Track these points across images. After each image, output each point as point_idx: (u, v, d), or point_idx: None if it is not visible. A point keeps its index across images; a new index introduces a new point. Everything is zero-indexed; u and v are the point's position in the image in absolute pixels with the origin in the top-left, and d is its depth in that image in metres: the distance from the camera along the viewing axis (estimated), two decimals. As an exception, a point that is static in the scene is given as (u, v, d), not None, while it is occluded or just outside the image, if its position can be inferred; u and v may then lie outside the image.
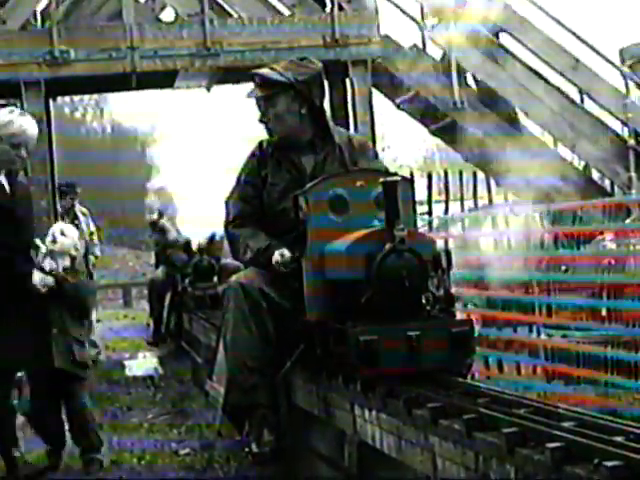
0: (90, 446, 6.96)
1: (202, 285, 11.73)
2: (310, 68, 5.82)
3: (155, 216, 12.23)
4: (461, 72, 12.02)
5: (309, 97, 5.83)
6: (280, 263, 5.43)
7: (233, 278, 5.91)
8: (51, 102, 12.55)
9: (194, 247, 12.52)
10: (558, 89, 12.28)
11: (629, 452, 2.87)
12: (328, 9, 11.78)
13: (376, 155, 6.18)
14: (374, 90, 11.78)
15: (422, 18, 12.17)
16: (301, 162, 5.77)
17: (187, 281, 10.46)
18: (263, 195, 5.84)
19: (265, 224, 5.81)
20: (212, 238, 12.13)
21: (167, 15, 13.19)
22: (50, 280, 6.82)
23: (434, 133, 12.19)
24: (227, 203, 6.27)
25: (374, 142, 11.04)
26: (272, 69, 5.77)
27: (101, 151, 36.11)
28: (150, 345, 14.14)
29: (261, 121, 5.90)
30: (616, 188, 11.89)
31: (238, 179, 6.03)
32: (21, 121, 6.88)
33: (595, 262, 7.27)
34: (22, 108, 11.45)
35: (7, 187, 6.82)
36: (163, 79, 11.53)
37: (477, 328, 6.30)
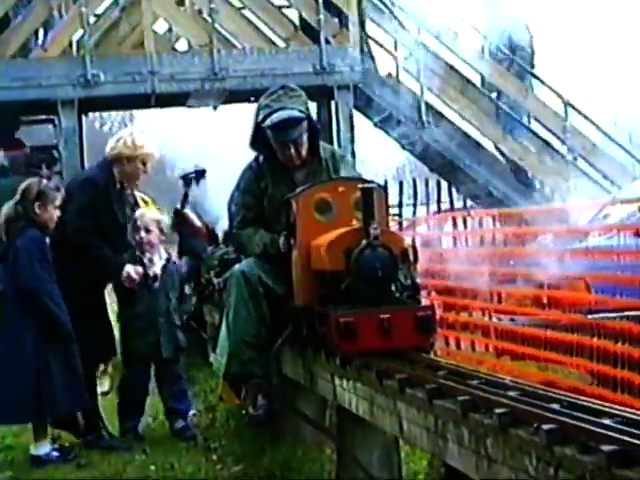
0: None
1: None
2: (302, 97, 5.81)
3: (178, 205, 11.45)
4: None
5: (315, 124, 5.84)
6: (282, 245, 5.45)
7: (236, 267, 5.93)
8: (83, 117, 12.52)
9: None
10: (509, 114, 12.30)
11: (563, 417, 2.87)
12: (318, 42, 11.79)
13: (353, 165, 6.19)
14: (355, 111, 11.80)
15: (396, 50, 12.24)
16: (295, 176, 5.77)
17: (212, 273, 9.95)
18: (263, 203, 5.85)
19: (265, 227, 5.81)
20: None
21: (181, 45, 13.17)
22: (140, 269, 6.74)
23: (404, 148, 12.18)
24: (230, 207, 6.28)
25: (354, 154, 11.04)
26: (289, 107, 5.65)
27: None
28: None
29: (254, 147, 5.87)
30: (556, 196, 11.91)
31: (238, 186, 6.04)
32: (150, 142, 6.81)
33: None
34: (59, 123, 11.45)
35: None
36: (177, 99, 11.50)
37: (438, 312, 6.30)
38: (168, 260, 6.98)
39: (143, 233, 6.86)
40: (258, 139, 5.82)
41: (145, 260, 6.79)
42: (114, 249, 6.67)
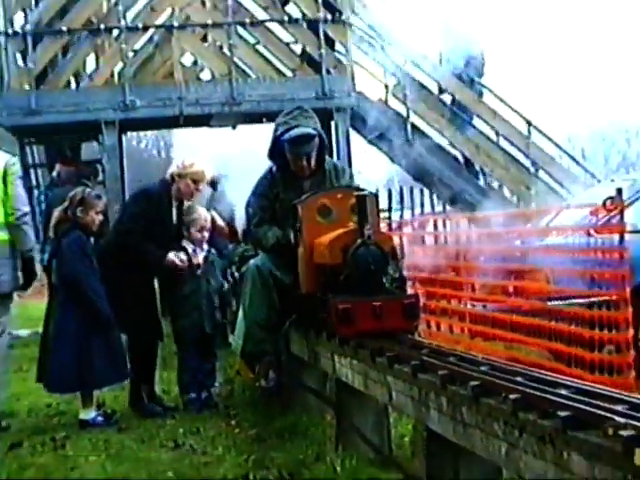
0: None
1: None
2: (315, 117, 5.80)
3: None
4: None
5: (324, 141, 5.84)
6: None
7: (251, 262, 5.93)
8: (123, 136, 12.54)
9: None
10: (481, 132, 12.32)
11: (526, 388, 2.88)
12: (320, 72, 11.80)
13: (351, 176, 6.17)
14: (351, 130, 11.79)
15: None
16: (303, 184, 5.76)
17: (234, 268, 9.74)
18: (275, 206, 5.84)
19: (277, 226, 5.81)
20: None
21: (205, 75, 13.16)
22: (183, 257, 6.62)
23: (393, 161, 12.18)
24: (247, 210, 6.26)
25: (350, 167, 11.04)
26: (304, 125, 5.65)
27: (158, 169, 36.17)
28: None
29: (271, 158, 5.85)
30: (522, 202, 11.92)
31: (254, 191, 6.02)
32: (199, 163, 6.72)
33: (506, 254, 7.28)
34: (103, 141, 11.47)
35: (175, 215, 6.70)
36: (202, 120, 11.50)
37: (422, 300, 6.29)
38: (209, 251, 6.96)
39: (206, 232, 6.87)
40: (275, 151, 5.81)
41: (189, 250, 6.78)
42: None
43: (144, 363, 6.75)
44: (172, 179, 6.67)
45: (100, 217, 6.47)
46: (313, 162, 5.73)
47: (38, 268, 7.11)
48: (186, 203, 6.84)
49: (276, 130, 5.76)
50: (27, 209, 6.56)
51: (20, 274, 6.53)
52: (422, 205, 12.56)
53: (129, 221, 6.62)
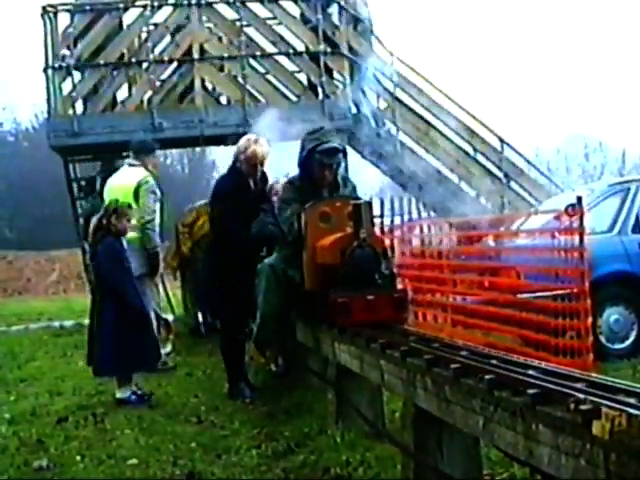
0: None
1: None
2: (337, 136, 5.75)
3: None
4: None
5: (345, 155, 5.79)
6: None
7: (265, 261, 5.90)
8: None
9: None
10: (460, 148, 12.32)
11: (500, 369, 2.88)
12: (320, 97, 11.82)
13: (354, 188, 6.03)
14: (349, 147, 11.78)
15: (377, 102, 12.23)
16: (321, 192, 5.70)
17: None
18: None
19: None
20: None
21: (222, 100, 13.16)
22: None
23: (385, 173, 12.18)
24: (280, 214, 6.04)
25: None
26: (333, 141, 5.58)
27: (182, 182, 36.12)
28: None
29: (300, 168, 5.74)
30: (496, 209, 11.91)
31: (282, 197, 5.88)
32: (254, 146, 6.30)
33: (482, 254, 7.27)
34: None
35: (252, 186, 6.38)
36: (219, 139, 11.51)
37: (410, 294, 6.29)
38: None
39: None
40: (303, 164, 5.68)
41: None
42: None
43: (237, 349, 6.44)
44: (240, 164, 6.34)
45: (128, 224, 6.51)
46: (334, 173, 5.67)
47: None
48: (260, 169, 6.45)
49: (304, 145, 5.63)
50: (150, 217, 7.15)
51: (146, 264, 7.14)
52: (410, 212, 12.58)
53: (220, 217, 6.34)
